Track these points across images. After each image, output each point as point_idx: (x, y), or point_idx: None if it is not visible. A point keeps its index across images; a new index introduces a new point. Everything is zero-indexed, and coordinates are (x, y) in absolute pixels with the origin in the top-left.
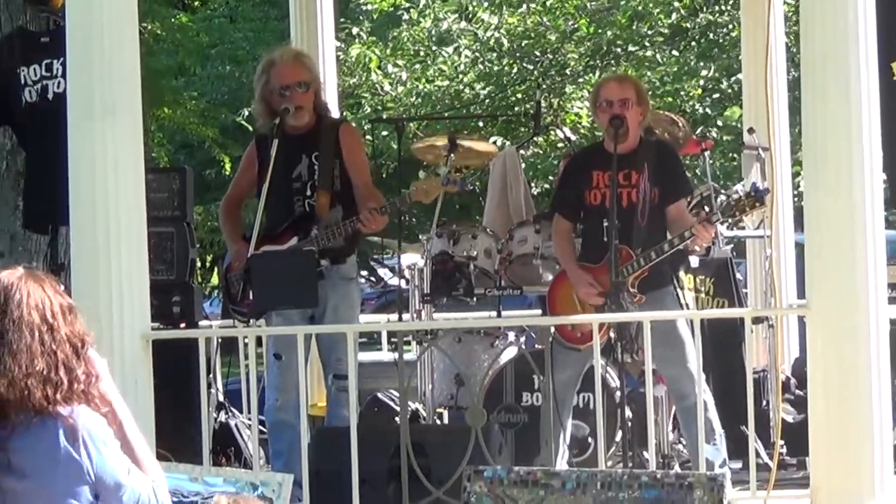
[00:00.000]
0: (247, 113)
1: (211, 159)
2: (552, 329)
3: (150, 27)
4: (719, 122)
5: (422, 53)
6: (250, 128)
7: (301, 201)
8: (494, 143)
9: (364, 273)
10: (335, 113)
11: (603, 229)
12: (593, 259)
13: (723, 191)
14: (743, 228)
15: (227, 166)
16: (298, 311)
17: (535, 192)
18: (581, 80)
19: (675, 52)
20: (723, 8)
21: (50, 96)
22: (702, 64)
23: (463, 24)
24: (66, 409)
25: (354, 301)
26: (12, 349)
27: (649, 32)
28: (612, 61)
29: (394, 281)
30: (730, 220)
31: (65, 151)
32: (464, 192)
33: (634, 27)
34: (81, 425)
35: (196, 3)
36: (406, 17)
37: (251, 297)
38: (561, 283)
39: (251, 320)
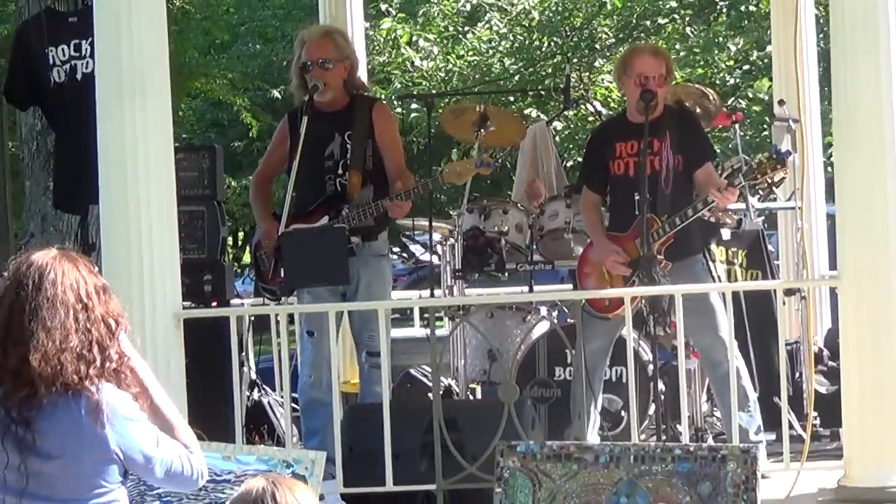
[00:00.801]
0: (275, 92)
1: (242, 135)
2: (583, 301)
3: (179, 3)
4: (749, 94)
5: (451, 29)
6: (280, 98)
7: (332, 180)
8: (528, 115)
9: (396, 249)
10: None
11: (630, 199)
12: (621, 227)
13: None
14: (774, 200)
15: (255, 131)
16: (329, 288)
17: (567, 166)
18: (610, 54)
19: (704, 25)
20: None
21: (79, 76)
22: (731, 35)
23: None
24: (93, 387)
25: (386, 277)
26: (46, 325)
27: (677, 6)
28: (642, 34)
29: (426, 257)
30: (752, 184)
31: (94, 132)
32: (496, 172)
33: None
34: (105, 402)
35: None
36: None
37: (282, 275)
38: (588, 256)
39: (282, 298)
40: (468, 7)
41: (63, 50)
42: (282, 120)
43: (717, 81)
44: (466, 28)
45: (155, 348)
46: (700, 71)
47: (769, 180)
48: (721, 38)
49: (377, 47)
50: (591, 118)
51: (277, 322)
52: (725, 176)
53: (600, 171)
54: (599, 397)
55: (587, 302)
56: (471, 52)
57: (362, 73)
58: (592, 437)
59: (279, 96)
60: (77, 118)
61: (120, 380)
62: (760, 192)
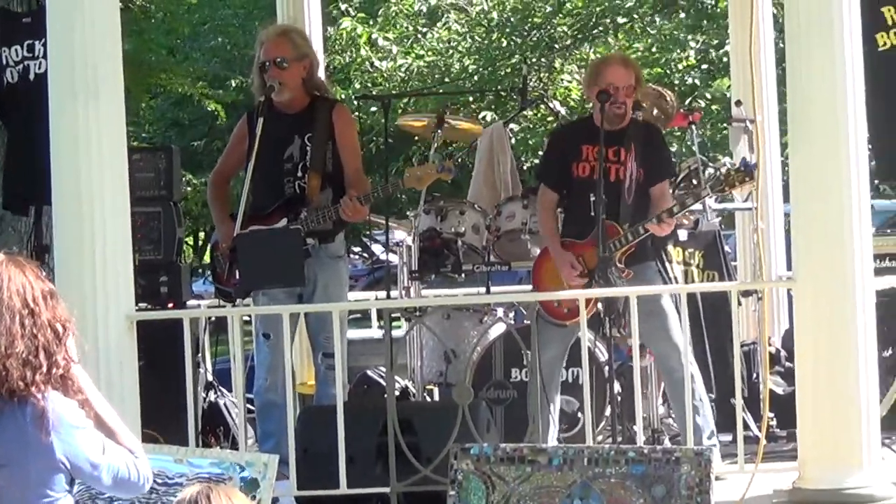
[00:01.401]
0: (233, 82)
1: (203, 134)
2: (537, 305)
3: (140, 2)
4: (707, 94)
5: (410, 29)
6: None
7: (292, 182)
8: (483, 118)
9: (357, 249)
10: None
11: (590, 203)
12: (579, 234)
13: (711, 163)
14: (731, 201)
15: (222, 117)
16: (285, 290)
17: (524, 167)
18: (569, 54)
19: (663, 23)
20: None
21: (31, 77)
22: (690, 35)
23: None
24: (39, 394)
25: (343, 279)
26: None
27: (635, 4)
28: (601, 33)
29: (385, 256)
30: (718, 195)
31: (47, 132)
32: (457, 177)
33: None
34: (51, 409)
35: None
36: None
37: (237, 277)
38: (546, 258)
39: (237, 300)
40: (425, 8)
41: (16, 50)
42: (241, 119)
43: (676, 81)
44: (425, 29)
45: (108, 350)
46: (659, 70)
47: (735, 193)
48: (680, 37)
49: (338, 46)
50: (549, 118)
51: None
52: (683, 177)
53: (562, 170)
54: (556, 400)
55: (544, 310)
56: (430, 52)
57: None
58: (549, 440)
59: (241, 84)
60: (30, 119)
61: (67, 386)
62: (719, 194)
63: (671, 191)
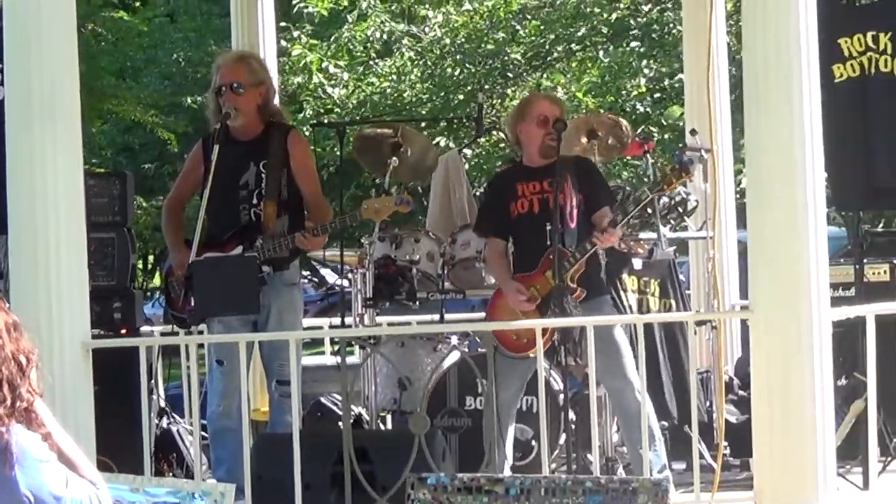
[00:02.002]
0: (188, 100)
1: (153, 158)
2: (495, 341)
3: (91, 27)
4: (660, 121)
5: (363, 56)
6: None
7: (247, 210)
8: (437, 143)
9: (306, 273)
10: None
11: (535, 235)
12: (529, 266)
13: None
14: (685, 230)
15: (174, 143)
16: (240, 316)
17: (478, 193)
18: (522, 82)
19: (616, 50)
20: (664, 6)
21: None
22: (643, 63)
23: (403, 26)
24: (2, 428)
25: (297, 306)
26: None
27: (591, 32)
28: (554, 61)
29: (338, 281)
30: (660, 195)
31: (3, 157)
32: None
33: (574, 27)
34: (15, 443)
35: (137, 4)
36: (349, 18)
37: (192, 304)
38: (500, 297)
39: (192, 326)
40: (378, 35)
41: None
42: (196, 145)
43: (628, 108)
44: (377, 59)
45: (63, 377)
46: (612, 98)
47: (674, 191)
48: (633, 65)
49: (290, 71)
50: (502, 145)
51: (188, 352)
52: (630, 201)
53: (503, 216)
54: (511, 430)
55: (501, 345)
56: (382, 80)
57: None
58: (505, 469)
59: (195, 107)
60: None
61: (30, 419)
62: (672, 221)
63: (626, 220)
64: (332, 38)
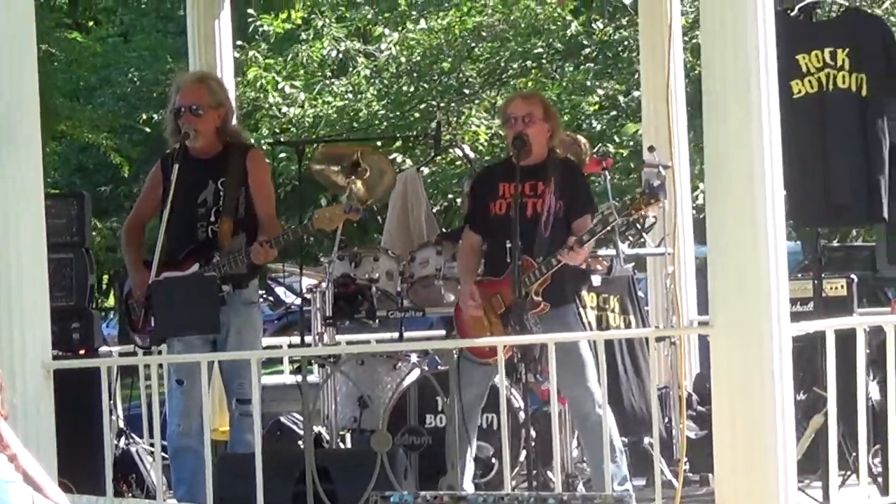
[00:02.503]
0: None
1: (108, 180)
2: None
3: (45, 47)
4: (616, 139)
5: (319, 74)
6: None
7: (204, 227)
8: (394, 160)
9: (262, 293)
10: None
11: (505, 243)
12: (497, 272)
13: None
14: (644, 245)
15: (126, 170)
16: (200, 335)
17: (434, 210)
18: (478, 100)
19: (571, 69)
20: (620, 24)
21: None
22: (597, 82)
23: (359, 45)
24: None
25: (257, 325)
26: None
27: (546, 49)
28: (510, 79)
29: (290, 299)
30: (626, 219)
31: None
32: (363, 221)
33: (530, 44)
34: None
35: (90, 24)
36: (304, 37)
37: (152, 324)
38: None
39: (152, 347)
40: (335, 54)
41: None
42: (154, 165)
43: (584, 126)
44: (332, 78)
45: (24, 399)
46: (567, 116)
47: (643, 216)
48: (588, 83)
49: (246, 92)
50: (458, 162)
51: (148, 372)
52: (597, 221)
53: (483, 211)
54: (474, 443)
55: (466, 347)
56: (338, 98)
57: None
58: (467, 486)
59: (148, 130)
60: None
61: None
62: (630, 237)
63: (592, 240)
64: (289, 57)
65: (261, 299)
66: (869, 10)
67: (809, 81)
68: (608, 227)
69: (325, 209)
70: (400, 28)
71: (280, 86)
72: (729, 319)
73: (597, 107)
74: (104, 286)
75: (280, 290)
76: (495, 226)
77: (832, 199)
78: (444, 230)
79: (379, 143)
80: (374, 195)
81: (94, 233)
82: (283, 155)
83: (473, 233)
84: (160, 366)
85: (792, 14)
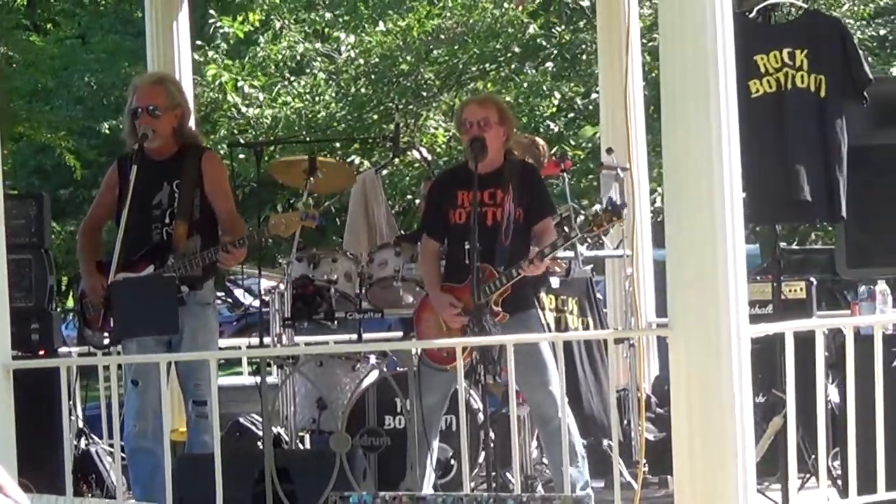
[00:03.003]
0: (105, 126)
1: (67, 182)
2: (419, 351)
3: (3, 50)
4: (573, 141)
5: (277, 75)
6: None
7: (159, 229)
8: (352, 162)
9: (221, 295)
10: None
11: (465, 250)
12: (456, 279)
13: (582, 210)
14: (602, 247)
15: (78, 174)
16: (155, 336)
17: (393, 212)
18: (436, 102)
19: (530, 71)
20: (578, 26)
21: None
22: (556, 83)
23: (318, 45)
24: None
25: (213, 326)
26: None
27: (503, 50)
28: (468, 81)
29: (248, 301)
30: (588, 237)
31: None
32: (321, 226)
33: (489, 46)
34: None
35: (49, 26)
36: (262, 40)
37: (111, 324)
38: (427, 304)
39: (110, 347)
40: (292, 55)
41: None
42: (111, 167)
43: (541, 129)
44: (292, 77)
45: None
46: (524, 119)
47: (604, 232)
48: (546, 87)
49: (205, 93)
50: (416, 164)
51: (107, 374)
52: (555, 224)
53: (440, 218)
54: (435, 446)
55: (425, 354)
56: (296, 99)
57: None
58: (427, 488)
59: (107, 133)
60: None
61: None
62: (589, 240)
63: (552, 254)
64: (247, 58)
65: (219, 301)
66: (828, 13)
67: (768, 81)
68: (569, 241)
69: (282, 215)
70: (358, 31)
71: (240, 84)
72: (687, 321)
73: (555, 109)
74: (63, 288)
75: (239, 292)
76: (455, 234)
77: (792, 195)
78: (402, 232)
79: (337, 145)
80: (330, 192)
81: (52, 235)
82: (242, 156)
83: (431, 239)
84: (119, 366)
85: (750, 16)
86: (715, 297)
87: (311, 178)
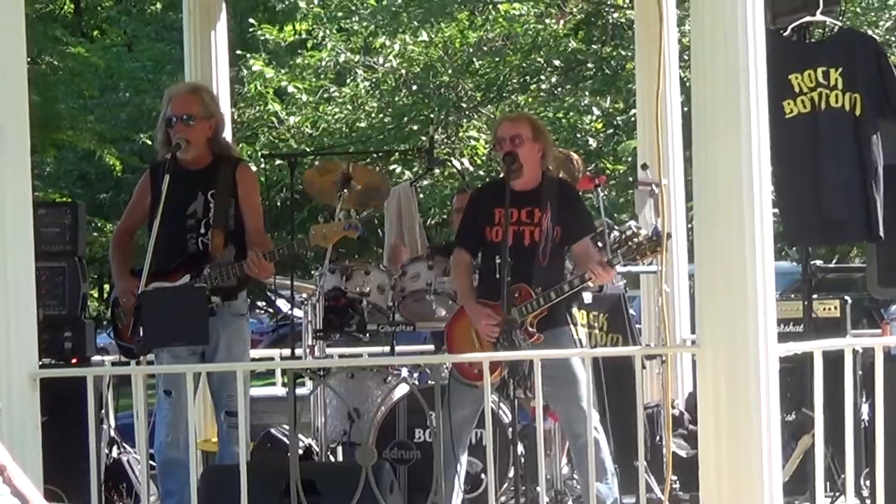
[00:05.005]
0: (143, 138)
1: (109, 188)
2: (450, 365)
3: (46, 60)
4: (612, 156)
5: (320, 81)
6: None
7: (195, 239)
8: (392, 171)
9: (262, 304)
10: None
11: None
12: (490, 293)
13: (616, 226)
14: (636, 263)
15: (118, 168)
16: (188, 347)
17: (431, 223)
18: (477, 114)
19: (569, 86)
20: (618, 42)
21: None
22: (597, 98)
23: (360, 56)
24: None
25: (245, 337)
26: None
27: (544, 64)
28: (509, 94)
29: (294, 311)
30: (629, 263)
31: None
32: (363, 236)
33: (531, 59)
34: None
35: (95, 33)
36: (304, 48)
37: (140, 334)
38: (459, 318)
39: (140, 356)
40: (334, 64)
41: None
42: (143, 174)
43: (580, 143)
44: (333, 89)
45: (10, 408)
46: (565, 133)
47: (625, 226)
48: (587, 101)
49: (245, 100)
50: (456, 176)
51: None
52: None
53: (475, 233)
54: (464, 461)
55: (456, 369)
56: (339, 107)
57: (228, 129)
58: (454, 502)
59: (148, 143)
60: None
61: None
62: (631, 262)
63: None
64: (288, 67)
65: (260, 311)
66: (863, 31)
67: (802, 101)
68: (612, 267)
69: (323, 225)
70: (400, 40)
71: (284, 85)
72: (715, 339)
73: (599, 125)
74: (105, 294)
75: (281, 302)
76: (490, 251)
77: (827, 216)
78: (443, 243)
79: (376, 156)
80: (365, 205)
81: (96, 234)
82: (279, 162)
83: (464, 251)
84: (150, 376)
85: (785, 34)
86: (744, 315)
87: (346, 190)
